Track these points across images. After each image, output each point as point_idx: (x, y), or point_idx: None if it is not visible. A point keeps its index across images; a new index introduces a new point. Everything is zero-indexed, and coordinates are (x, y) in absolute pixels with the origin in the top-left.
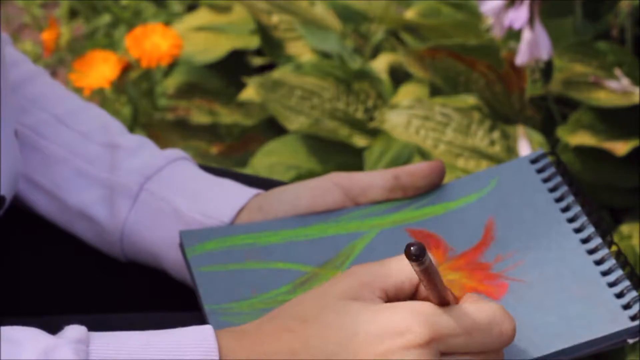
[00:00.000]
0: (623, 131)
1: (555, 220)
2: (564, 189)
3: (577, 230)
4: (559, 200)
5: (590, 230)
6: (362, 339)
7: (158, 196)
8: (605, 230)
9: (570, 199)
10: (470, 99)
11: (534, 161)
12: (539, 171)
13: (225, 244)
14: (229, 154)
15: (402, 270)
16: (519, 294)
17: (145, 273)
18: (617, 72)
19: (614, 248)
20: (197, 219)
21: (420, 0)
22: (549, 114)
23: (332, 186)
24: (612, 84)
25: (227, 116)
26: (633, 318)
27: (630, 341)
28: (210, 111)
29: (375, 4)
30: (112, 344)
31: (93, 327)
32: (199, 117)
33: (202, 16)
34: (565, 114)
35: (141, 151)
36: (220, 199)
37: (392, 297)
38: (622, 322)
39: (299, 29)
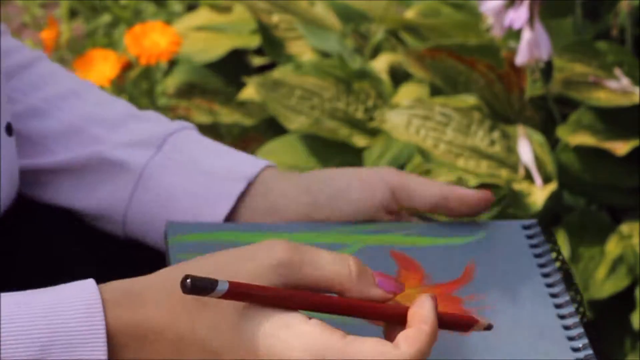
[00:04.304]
0: (623, 131)
1: (535, 281)
2: (549, 257)
3: (554, 295)
4: (542, 266)
5: (565, 297)
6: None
7: (180, 148)
8: (580, 303)
9: (553, 267)
10: (470, 99)
11: (526, 227)
12: (529, 237)
13: (207, 238)
14: None
15: None
16: (484, 334)
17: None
18: (617, 72)
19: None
20: (218, 172)
21: (420, 0)
22: (549, 114)
23: (382, 183)
24: (612, 84)
25: (227, 116)
26: None
27: None
28: (210, 111)
29: (375, 4)
30: None
31: None
32: (199, 117)
33: (202, 16)
34: (565, 114)
35: (159, 118)
36: (245, 158)
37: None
38: None
39: (299, 28)
